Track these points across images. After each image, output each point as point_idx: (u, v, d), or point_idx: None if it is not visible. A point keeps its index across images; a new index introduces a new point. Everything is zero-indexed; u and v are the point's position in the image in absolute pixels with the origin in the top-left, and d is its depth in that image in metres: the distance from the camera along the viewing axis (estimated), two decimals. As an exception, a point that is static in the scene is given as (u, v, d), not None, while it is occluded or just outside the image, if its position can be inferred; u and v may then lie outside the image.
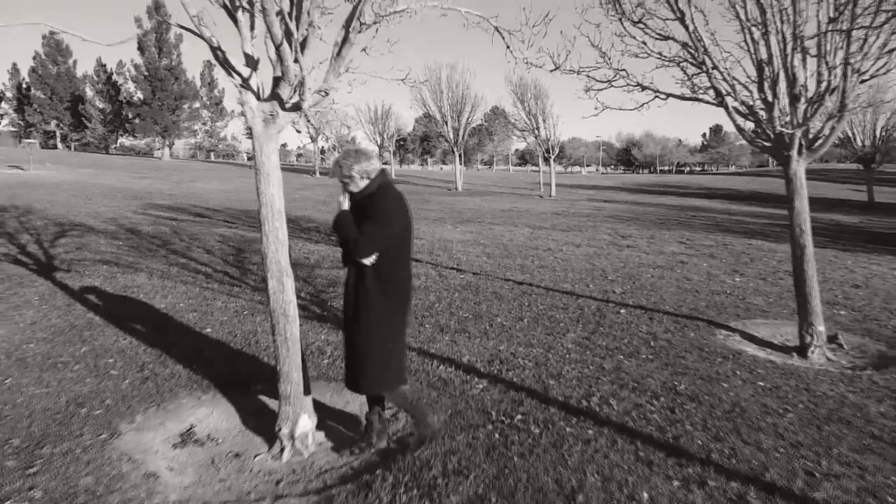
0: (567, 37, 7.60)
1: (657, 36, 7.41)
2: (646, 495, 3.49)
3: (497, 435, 4.20)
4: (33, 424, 4.12)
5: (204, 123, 70.07)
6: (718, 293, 9.43)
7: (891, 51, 6.17)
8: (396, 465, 3.72)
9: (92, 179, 31.57)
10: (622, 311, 8.10)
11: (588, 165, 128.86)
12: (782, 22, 6.37)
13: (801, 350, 6.60)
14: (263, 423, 4.41)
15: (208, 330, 6.50)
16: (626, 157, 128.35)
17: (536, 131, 38.36)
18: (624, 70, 7.92)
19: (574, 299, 8.71)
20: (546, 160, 39.95)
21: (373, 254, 3.64)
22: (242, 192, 30.59)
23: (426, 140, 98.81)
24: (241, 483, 3.67)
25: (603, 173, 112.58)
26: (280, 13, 3.71)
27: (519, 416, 4.51)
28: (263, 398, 4.85)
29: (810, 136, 6.80)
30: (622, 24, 7.48)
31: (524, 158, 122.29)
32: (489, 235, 16.09)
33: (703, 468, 3.85)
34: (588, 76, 8.18)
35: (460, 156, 45.91)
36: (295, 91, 3.93)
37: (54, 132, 72.90)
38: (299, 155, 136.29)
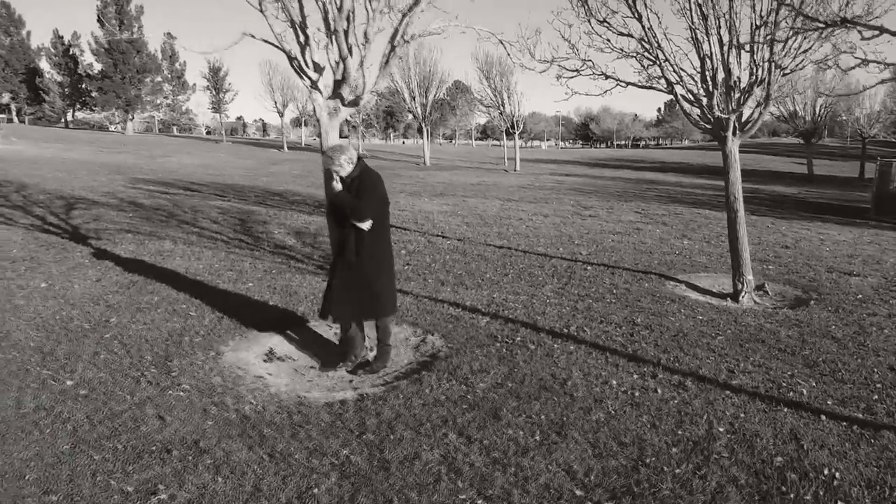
0: (545, 34, 8.95)
1: (619, 32, 8.82)
2: (615, 382, 4.97)
3: (504, 350, 5.63)
4: (155, 347, 5.37)
5: (166, 97, 69.22)
6: (669, 254, 11.03)
7: (805, 51, 7.69)
8: (437, 367, 5.12)
9: (65, 154, 31.75)
10: (588, 268, 9.60)
11: (547, 140, 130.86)
12: (719, 27, 7.84)
13: (734, 296, 8.19)
14: (323, 346, 5.76)
15: (249, 284, 7.75)
16: (584, 131, 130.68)
17: (501, 107, 39.70)
18: (590, 61, 9.34)
19: (548, 260, 10.18)
20: (510, 135, 41.38)
21: (369, 217, 4.98)
22: (216, 166, 31.23)
23: (391, 115, 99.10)
24: (323, 382, 5.03)
25: (562, 147, 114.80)
26: (346, 32, 4.97)
27: (518, 338, 5.96)
28: (318, 330, 6.18)
29: (743, 119, 8.32)
30: (590, 23, 8.86)
31: (485, 133, 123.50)
32: (465, 207, 17.47)
33: (654, 368, 5.34)
34: (559, 66, 9.60)
35: (428, 131, 46.97)
36: (352, 92, 5.21)
37: (8, 105, 70.99)
38: (259, 128, 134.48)
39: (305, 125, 73.80)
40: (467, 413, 4.32)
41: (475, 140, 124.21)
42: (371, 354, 5.53)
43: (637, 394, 4.76)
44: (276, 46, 5.06)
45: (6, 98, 69.62)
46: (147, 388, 4.54)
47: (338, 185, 5.07)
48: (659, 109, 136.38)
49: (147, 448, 3.69)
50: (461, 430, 4.07)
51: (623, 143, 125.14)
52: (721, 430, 4.21)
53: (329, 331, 6.21)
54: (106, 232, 10.83)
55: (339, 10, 4.79)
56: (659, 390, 4.85)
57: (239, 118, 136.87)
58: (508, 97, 39.14)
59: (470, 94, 54.22)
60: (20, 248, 9.29)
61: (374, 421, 4.19)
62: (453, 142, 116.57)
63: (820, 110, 33.81)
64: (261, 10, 5.06)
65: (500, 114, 40.04)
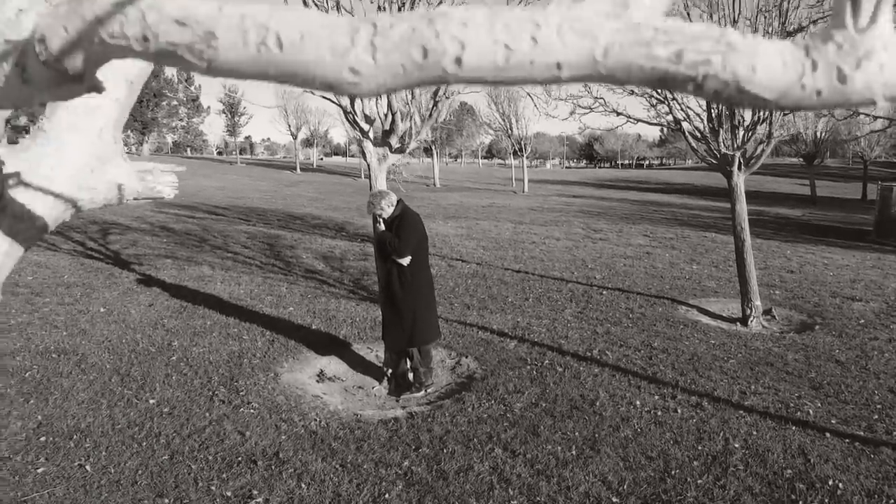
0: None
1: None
2: (638, 402, 5.50)
3: (535, 372, 6.16)
4: (220, 369, 5.93)
5: (181, 119, 70.62)
6: (679, 278, 11.56)
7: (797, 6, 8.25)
8: (475, 388, 5.66)
9: (82, 177, 32.52)
10: (604, 292, 10.14)
11: (552, 159, 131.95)
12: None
13: (743, 320, 8.71)
14: (367, 368, 6.30)
15: (290, 308, 8.31)
16: (588, 151, 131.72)
17: (509, 131, 40.52)
18: (602, 98, 10.02)
19: (565, 284, 10.72)
20: (517, 156, 42.13)
21: (409, 254, 5.57)
22: (233, 189, 31.96)
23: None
24: (373, 401, 5.57)
25: (567, 167, 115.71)
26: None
27: (546, 361, 6.49)
28: (360, 352, 6.72)
29: (747, 155, 8.90)
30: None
31: (491, 152, 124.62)
32: (478, 230, 18.06)
33: (673, 389, 5.87)
34: (574, 103, 10.29)
35: (437, 152, 47.80)
36: (401, 140, 5.81)
37: (26, 127, 72.22)
38: (267, 147, 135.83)
39: (315, 146, 74.95)
40: (509, 430, 4.85)
41: (481, 159, 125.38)
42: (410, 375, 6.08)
43: (659, 413, 5.28)
44: (332, 101, 5.66)
45: (24, 120, 70.83)
46: (221, 407, 5.08)
47: (381, 226, 5.67)
48: (662, 130, 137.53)
49: (234, 459, 4.23)
50: (506, 445, 4.59)
51: (627, 162, 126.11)
52: (736, 445, 4.72)
53: (370, 353, 6.75)
54: (146, 258, 11.43)
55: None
56: (679, 410, 5.37)
57: (247, 138, 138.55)
58: (516, 121, 40.00)
59: (475, 115, 55.13)
60: (70, 273, 9.88)
61: (427, 436, 4.72)
62: (459, 161, 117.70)
63: (822, 134, 34.47)
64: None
65: (508, 136, 40.86)
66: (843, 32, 0.49)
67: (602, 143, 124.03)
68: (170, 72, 67.50)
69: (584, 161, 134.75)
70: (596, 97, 10.07)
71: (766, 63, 0.49)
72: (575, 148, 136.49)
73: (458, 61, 0.48)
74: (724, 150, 8.65)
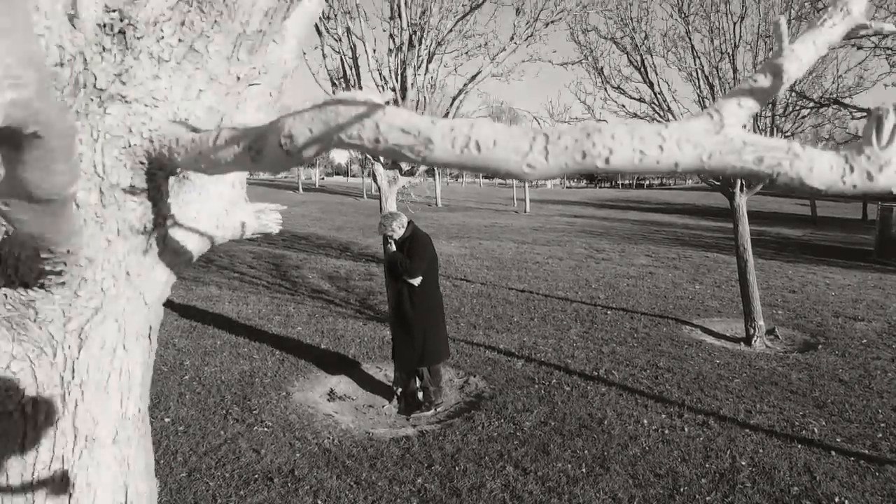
0: (564, 97, 9.83)
1: (633, 97, 9.64)
2: (646, 421, 5.57)
3: (543, 391, 6.24)
4: (232, 388, 6.01)
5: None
6: (682, 298, 11.65)
7: (804, 117, 8.47)
8: (484, 407, 5.74)
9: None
10: (608, 312, 10.23)
11: (553, 178, 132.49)
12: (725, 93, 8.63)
13: (747, 340, 8.79)
14: (376, 387, 6.38)
15: (299, 328, 8.40)
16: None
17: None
18: (605, 121, 10.22)
19: (569, 304, 10.82)
20: (518, 177, 42.37)
21: (419, 275, 5.68)
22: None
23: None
24: (384, 419, 5.64)
25: (567, 187, 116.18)
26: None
27: (554, 380, 6.57)
28: (369, 371, 6.81)
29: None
30: (606, 90, 9.71)
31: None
32: (481, 250, 18.19)
33: (679, 408, 5.94)
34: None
35: (438, 171, 48.06)
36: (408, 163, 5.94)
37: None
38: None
39: (317, 166, 75.39)
40: (519, 448, 4.92)
41: (482, 179, 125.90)
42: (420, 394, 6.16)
43: (667, 431, 5.36)
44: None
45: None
46: (235, 425, 5.16)
47: (392, 247, 5.79)
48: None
49: (251, 476, 4.31)
50: (517, 463, 4.67)
51: (627, 182, 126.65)
52: (743, 463, 4.80)
53: (379, 372, 6.84)
54: (152, 277, 11.54)
55: (403, 98, 5.58)
56: (686, 428, 5.44)
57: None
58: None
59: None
60: (78, 292, 9.99)
61: (439, 454, 4.79)
62: (460, 180, 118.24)
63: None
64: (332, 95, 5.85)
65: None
66: (870, 148, 0.71)
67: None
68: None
69: (585, 181, 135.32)
70: (598, 119, 10.27)
71: (819, 166, 0.69)
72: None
73: (607, 161, 0.65)
74: (725, 171, 8.79)
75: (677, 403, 6.06)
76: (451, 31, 6.02)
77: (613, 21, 9.10)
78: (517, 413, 5.63)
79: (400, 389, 6.03)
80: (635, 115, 9.59)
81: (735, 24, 8.30)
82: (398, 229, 5.75)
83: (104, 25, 0.92)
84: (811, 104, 7.62)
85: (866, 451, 5.11)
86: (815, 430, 5.54)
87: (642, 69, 9.11)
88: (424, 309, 5.75)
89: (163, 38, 0.94)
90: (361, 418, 5.66)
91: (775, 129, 8.44)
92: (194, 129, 0.89)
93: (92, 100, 0.96)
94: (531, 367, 7.05)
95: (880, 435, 5.46)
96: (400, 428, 5.44)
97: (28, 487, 1.08)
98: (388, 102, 0.63)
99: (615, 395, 6.20)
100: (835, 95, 7.05)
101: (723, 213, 42.60)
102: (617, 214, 39.65)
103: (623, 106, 9.61)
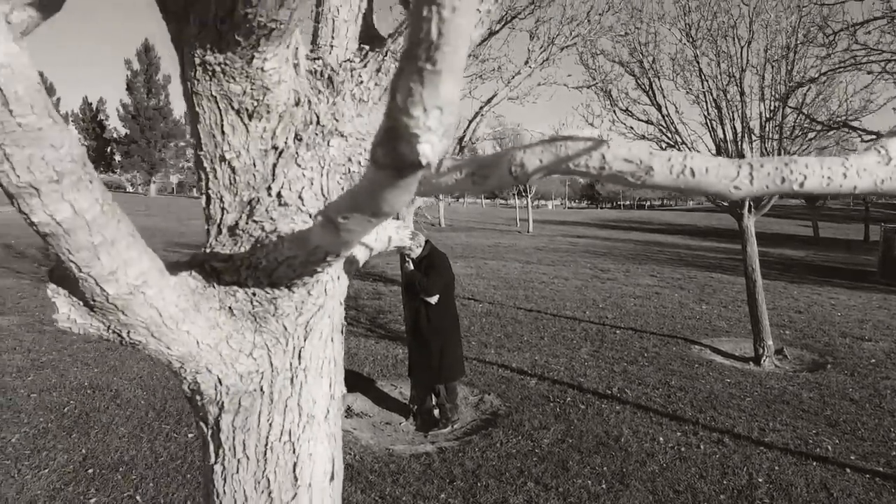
0: (571, 119, 9.98)
1: (640, 120, 9.80)
2: (661, 439, 5.64)
3: (558, 409, 6.31)
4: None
5: (188, 160, 71.87)
6: (689, 318, 11.73)
7: (811, 139, 8.62)
8: (501, 424, 5.80)
9: (93, 216, 32.90)
10: (617, 331, 10.31)
11: (553, 199, 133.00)
12: (732, 118, 8.79)
13: (756, 359, 8.86)
14: (392, 404, 6.45)
15: (312, 346, 8.47)
16: (590, 191, 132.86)
17: (513, 171, 40.94)
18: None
19: (578, 323, 10.89)
20: (521, 196, 42.64)
21: (437, 293, 5.79)
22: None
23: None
24: (402, 436, 5.71)
25: (569, 208, 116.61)
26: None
27: (568, 398, 6.64)
28: (384, 389, 6.87)
29: (756, 199, 9.18)
30: (615, 112, 9.87)
31: (493, 192, 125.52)
32: (487, 270, 18.28)
33: (694, 426, 6.01)
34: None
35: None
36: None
37: (29, 167, 73.49)
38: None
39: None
40: (539, 465, 4.98)
41: (484, 199, 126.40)
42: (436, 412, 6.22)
43: (683, 449, 5.42)
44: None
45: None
46: (257, 441, 5.23)
47: (409, 266, 5.91)
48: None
49: (277, 491, 4.37)
50: (537, 479, 4.73)
51: (628, 203, 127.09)
52: (760, 480, 4.85)
53: (394, 390, 6.90)
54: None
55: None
56: (702, 446, 5.50)
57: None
58: (520, 161, 40.45)
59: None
60: (91, 311, 10.07)
61: (460, 470, 4.86)
62: (461, 201, 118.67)
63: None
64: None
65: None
66: None
67: (604, 183, 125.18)
68: (178, 113, 68.80)
69: (586, 201, 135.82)
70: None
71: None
72: (576, 188, 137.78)
73: (801, 184, 0.78)
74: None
75: (691, 422, 6.13)
76: (469, 55, 6.21)
77: (622, 45, 9.29)
78: (534, 430, 5.70)
79: (416, 407, 6.10)
80: (643, 137, 9.74)
81: (742, 48, 8.48)
82: (416, 248, 5.86)
83: (314, 72, 1.08)
84: (819, 127, 7.76)
85: (881, 469, 5.17)
86: (829, 447, 5.60)
87: (650, 92, 9.29)
88: (441, 327, 5.84)
89: (362, 82, 1.11)
90: (380, 435, 5.72)
91: (782, 151, 8.58)
92: None
93: (317, 134, 1.14)
94: (545, 385, 7.12)
95: (894, 453, 5.52)
96: (419, 444, 5.51)
97: (261, 455, 1.23)
98: (600, 135, 0.74)
99: (630, 414, 6.26)
100: (843, 118, 7.19)
101: (724, 233, 42.76)
102: (619, 235, 39.80)
103: (631, 128, 9.77)
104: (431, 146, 0.46)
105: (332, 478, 1.42)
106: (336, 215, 0.72)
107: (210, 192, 1.26)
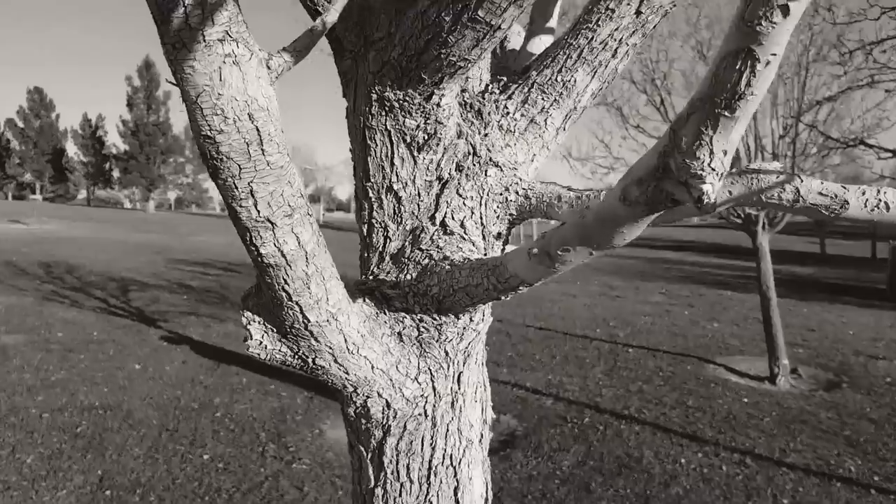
0: (583, 138, 10.00)
1: (652, 136, 9.81)
2: (683, 460, 5.54)
3: (576, 430, 6.22)
4: (266, 425, 6.00)
5: (187, 176, 72.20)
6: (702, 336, 11.63)
7: (823, 156, 8.59)
8: (520, 445, 5.71)
9: (99, 234, 32.99)
10: (630, 350, 10.21)
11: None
12: (745, 134, 8.78)
13: (772, 378, 8.75)
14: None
15: (324, 366, 8.40)
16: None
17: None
18: (622, 158, 10.38)
19: (590, 342, 10.80)
20: (526, 215, 42.67)
21: None
22: (241, 245, 32.20)
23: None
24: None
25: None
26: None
27: (587, 419, 6.55)
28: (399, 410, 6.79)
29: (770, 216, 9.13)
30: (626, 129, 9.88)
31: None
32: (494, 288, 18.19)
33: (714, 447, 5.91)
34: (595, 164, 10.66)
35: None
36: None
37: (31, 184, 74.08)
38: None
39: (321, 201, 76.04)
40: (561, 487, 4.90)
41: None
42: None
43: (706, 470, 5.32)
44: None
45: (28, 177, 72.62)
46: (274, 462, 5.15)
47: None
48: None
49: (296, 515, 4.29)
50: (560, 502, 4.64)
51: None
52: (785, 502, 4.76)
53: (409, 411, 6.82)
54: (170, 315, 11.59)
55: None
56: (724, 467, 5.41)
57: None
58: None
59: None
60: (98, 330, 10.03)
61: (480, 493, 4.76)
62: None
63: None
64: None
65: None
66: None
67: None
68: (178, 129, 69.11)
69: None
70: (616, 157, 10.42)
71: None
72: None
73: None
74: (748, 210, 8.88)
75: (712, 442, 6.03)
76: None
77: (634, 62, 9.31)
78: (553, 452, 5.61)
79: None
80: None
81: (754, 66, 8.47)
82: None
83: (464, 104, 1.09)
84: (834, 144, 7.74)
85: (909, 492, 5.06)
86: (852, 468, 5.50)
87: (662, 108, 9.29)
88: None
89: (508, 113, 1.11)
90: (396, 456, 5.64)
91: (795, 169, 8.55)
92: (569, 189, 1.04)
93: (475, 164, 1.17)
94: (561, 405, 7.03)
95: (920, 475, 5.41)
96: (436, 466, 5.42)
97: (424, 479, 1.22)
98: (783, 167, 0.70)
99: (649, 434, 6.17)
100: (858, 136, 7.17)
101: (731, 250, 42.65)
102: (626, 252, 39.66)
103: (643, 145, 9.76)
104: (713, 186, 0.44)
105: (486, 502, 1.44)
106: (556, 248, 0.70)
107: (374, 220, 1.30)
